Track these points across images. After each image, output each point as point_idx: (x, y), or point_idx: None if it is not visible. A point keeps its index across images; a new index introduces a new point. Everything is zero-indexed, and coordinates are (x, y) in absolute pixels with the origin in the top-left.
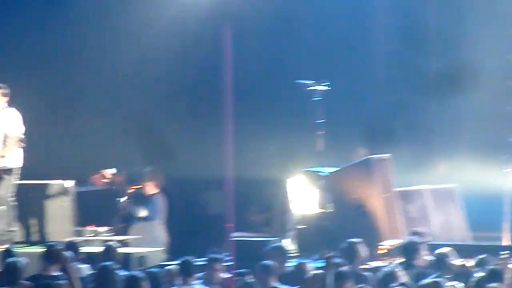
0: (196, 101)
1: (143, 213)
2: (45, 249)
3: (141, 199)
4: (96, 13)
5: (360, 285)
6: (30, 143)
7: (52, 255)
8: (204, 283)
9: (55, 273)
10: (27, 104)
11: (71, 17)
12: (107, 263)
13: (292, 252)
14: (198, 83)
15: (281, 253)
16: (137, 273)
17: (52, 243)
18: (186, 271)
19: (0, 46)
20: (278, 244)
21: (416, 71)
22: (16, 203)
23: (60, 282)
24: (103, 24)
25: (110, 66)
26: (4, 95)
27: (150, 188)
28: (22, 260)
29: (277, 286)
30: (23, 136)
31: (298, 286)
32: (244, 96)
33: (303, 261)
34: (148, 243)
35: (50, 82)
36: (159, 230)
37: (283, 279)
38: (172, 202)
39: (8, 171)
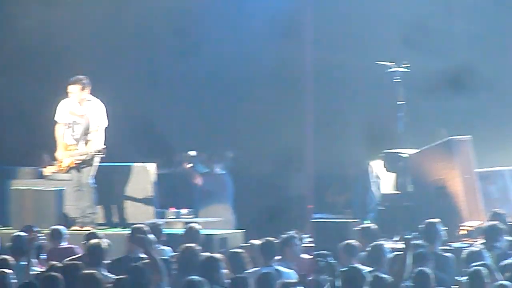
0: (277, 82)
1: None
2: (130, 231)
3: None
4: None
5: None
6: (113, 126)
7: (136, 237)
8: (284, 264)
9: (139, 255)
10: (109, 88)
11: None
12: (190, 244)
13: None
14: (278, 65)
15: (367, 234)
16: (216, 254)
17: (136, 224)
18: (267, 252)
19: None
20: (365, 224)
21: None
22: (98, 185)
23: (146, 263)
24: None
25: (189, 50)
26: (85, 87)
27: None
28: (105, 242)
29: (358, 266)
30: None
31: (375, 268)
32: (324, 77)
33: (380, 242)
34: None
35: (131, 67)
36: (226, 211)
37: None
38: (253, 183)
39: (92, 156)
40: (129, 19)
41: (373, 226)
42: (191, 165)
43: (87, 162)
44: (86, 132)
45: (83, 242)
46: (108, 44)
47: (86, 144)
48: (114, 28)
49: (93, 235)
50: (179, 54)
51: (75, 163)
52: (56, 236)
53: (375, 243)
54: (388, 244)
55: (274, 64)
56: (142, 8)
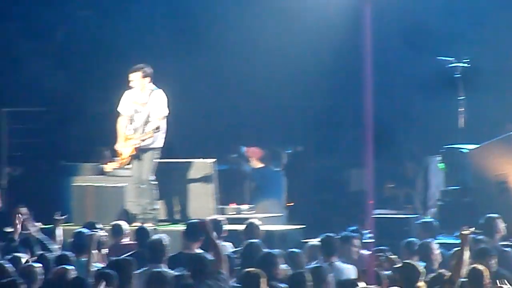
0: (335, 79)
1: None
2: (187, 226)
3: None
4: None
5: None
6: (174, 121)
7: (194, 232)
8: (344, 260)
9: (198, 251)
10: (171, 83)
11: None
12: (253, 240)
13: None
14: (337, 61)
15: (427, 229)
16: (274, 250)
17: (194, 220)
18: (327, 248)
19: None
20: (426, 220)
21: None
22: (158, 182)
23: (210, 258)
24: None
25: (251, 45)
26: (146, 75)
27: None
28: (166, 238)
29: (413, 263)
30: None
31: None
32: (384, 73)
33: (428, 240)
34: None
35: (193, 62)
36: (277, 207)
37: None
38: (313, 179)
39: (149, 150)
40: (193, 13)
41: (432, 221)
42: (242, 161)
43: (144, 155)
44: (146, 120)
45: (134, 238)
46: (171, 38)
47: (144, 132)
48: (178, 23)
49: (152, 232)
50: (241, 51)
51: (135, 151)
52: (117, 232)
53: (423, 240)
54: (448, 240)
55: (333, 60)
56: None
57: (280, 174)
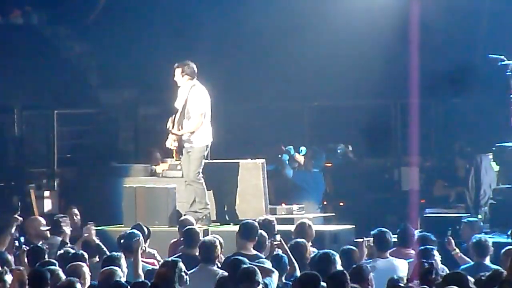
0: (386, 78)
1: None
2: (242, 227)
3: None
4: None
5: None
6: (223, 121)
7: (250, 232)
8: (398, 256)
9: (254, 251)
10: (217, 83)
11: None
12: (299, 240)
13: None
14: (387, 60)
15: (471, 228)
16: (329, 250)
17: (249, 220)
18: (381, 244)
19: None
20: (471, 219)
21: None
22: (208, 182)
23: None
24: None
25: (299, 44)
26: (185, 73)
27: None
28: (218, 239)
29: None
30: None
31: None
32: (432, 72)
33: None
34: None
35: (238, 61)
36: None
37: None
38: (364, 178)
39: (196, 149)
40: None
41: (477, 220)
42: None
43: (190, 154)
44: (185, 116)
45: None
46: (219, 36)
47: (182, 128)
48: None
49: (205, 233)
50: (291, 51)
51: (177, 147)
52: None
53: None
54: (501, 239)
55: (383, 59)
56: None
57: (319, 175)
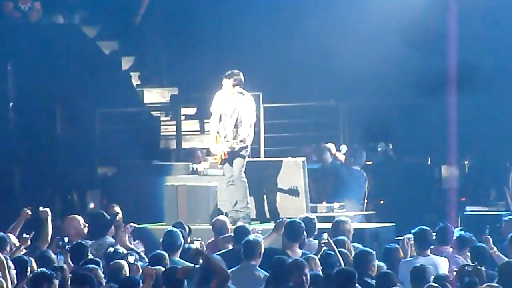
0: (419, 80)
1: None
2: (288, 227)
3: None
4: None
5: None
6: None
7: (296, 234)
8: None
9: (299, 251)
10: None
11: None
12: (339, 237)
13: None
14: (426, 60)
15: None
16: (366, 248)
17: (295, 219)
18: (422, 242)
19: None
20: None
21: None
22: (249, 180)
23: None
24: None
25: (339, 44)
26: (236, 84)
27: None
28: (260, 237)
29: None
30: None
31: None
32: (468, 74)
33: None
34: None
35: (278, 61)
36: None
37: None
38: (406, 176)
39: (239, 149)
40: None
41: None
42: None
43: (234, 155)
44: (236, 125)
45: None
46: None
47: (234, 137)
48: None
49: (245, 231)
50: (332, 50)
51: (225, 155)
52: (216, 230)
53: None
54: None
55: (422, 59)
56: None
57: (360, 173)
